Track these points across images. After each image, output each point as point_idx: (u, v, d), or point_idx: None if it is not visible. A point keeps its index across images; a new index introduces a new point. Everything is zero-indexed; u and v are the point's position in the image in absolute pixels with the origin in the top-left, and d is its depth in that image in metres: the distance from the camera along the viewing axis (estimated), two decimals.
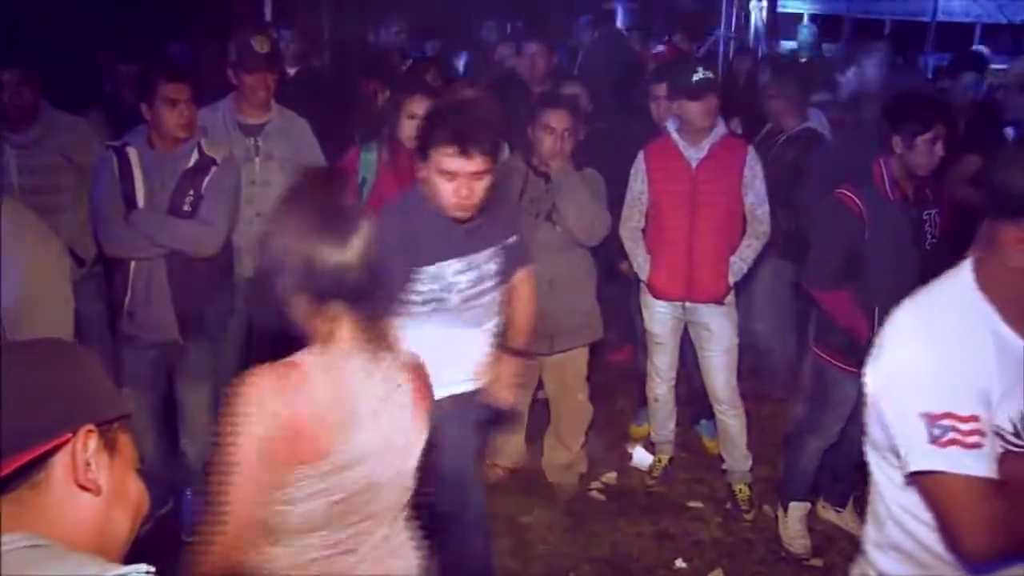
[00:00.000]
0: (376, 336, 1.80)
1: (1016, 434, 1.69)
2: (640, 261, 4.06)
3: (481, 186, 2.67)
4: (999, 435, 1.68)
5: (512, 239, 3.00)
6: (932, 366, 1.68)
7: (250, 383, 1.69)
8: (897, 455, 1.75)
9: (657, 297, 4.07)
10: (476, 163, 2.60)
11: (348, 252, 1.71)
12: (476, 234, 2.84)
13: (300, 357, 1.76)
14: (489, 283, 2.92)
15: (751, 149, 4.00)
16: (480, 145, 2.58)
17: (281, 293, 1.73)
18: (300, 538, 1.80)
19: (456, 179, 2.63)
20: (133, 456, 1.26)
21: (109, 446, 1.20)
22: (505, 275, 3.00)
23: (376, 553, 1.89)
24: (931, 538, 1.76)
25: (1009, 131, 4.75)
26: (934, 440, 1.63)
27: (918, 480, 1.70)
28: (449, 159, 2.60)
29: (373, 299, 1.78)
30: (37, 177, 3.82)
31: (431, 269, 2.79)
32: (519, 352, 3.22)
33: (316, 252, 1.70)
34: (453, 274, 2.83)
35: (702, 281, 3.96)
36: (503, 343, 3.13)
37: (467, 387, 2.99)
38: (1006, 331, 1.71)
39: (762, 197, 3.94)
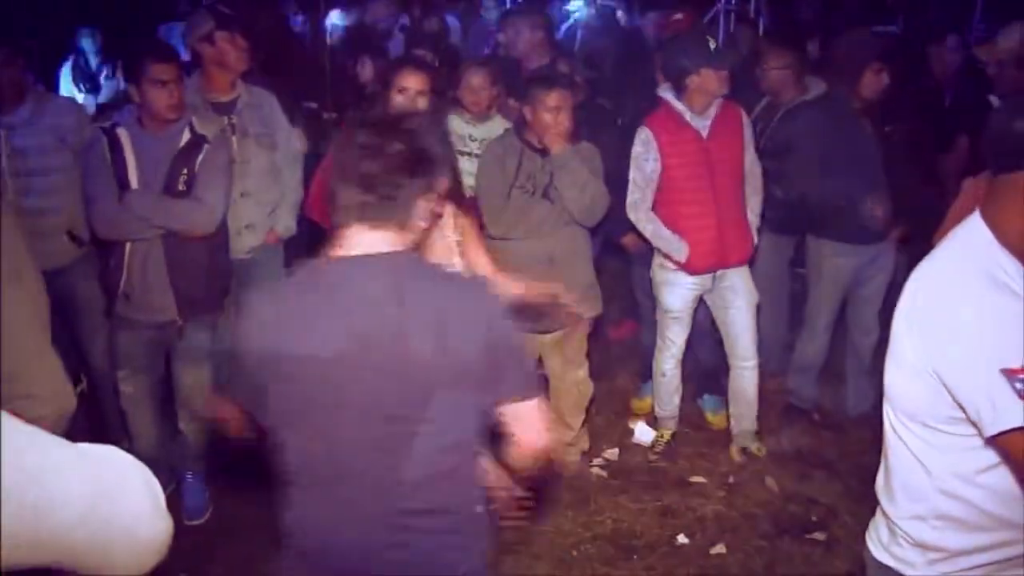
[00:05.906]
0: None
1: None
2: (675, 244, 3.92)
3: None
4: None
5: None
6: (996, 324, 1.67)
7: None
8: (961, 421, 1.74)
9: (693, 274, 3.99)
10: None
11: None
12: None
13: None
14: None
15: (741, 109, 4.05)
16: None
17: None
18: None
19: None
20: None
21: None
22: None
23: None
24: (990, 501, 1.79)
25: (994, 99, 4.43)
26: (1020, 395, 1.63)
27: (1004, 437, 1.67)
28: None
29: None
30: (28, 159, 3.75)
31: None
32: None
33: None
34: None
35: (734, 246, 3.97)
36: None
37: None
38: None
39: (754, 153, 4.07)
